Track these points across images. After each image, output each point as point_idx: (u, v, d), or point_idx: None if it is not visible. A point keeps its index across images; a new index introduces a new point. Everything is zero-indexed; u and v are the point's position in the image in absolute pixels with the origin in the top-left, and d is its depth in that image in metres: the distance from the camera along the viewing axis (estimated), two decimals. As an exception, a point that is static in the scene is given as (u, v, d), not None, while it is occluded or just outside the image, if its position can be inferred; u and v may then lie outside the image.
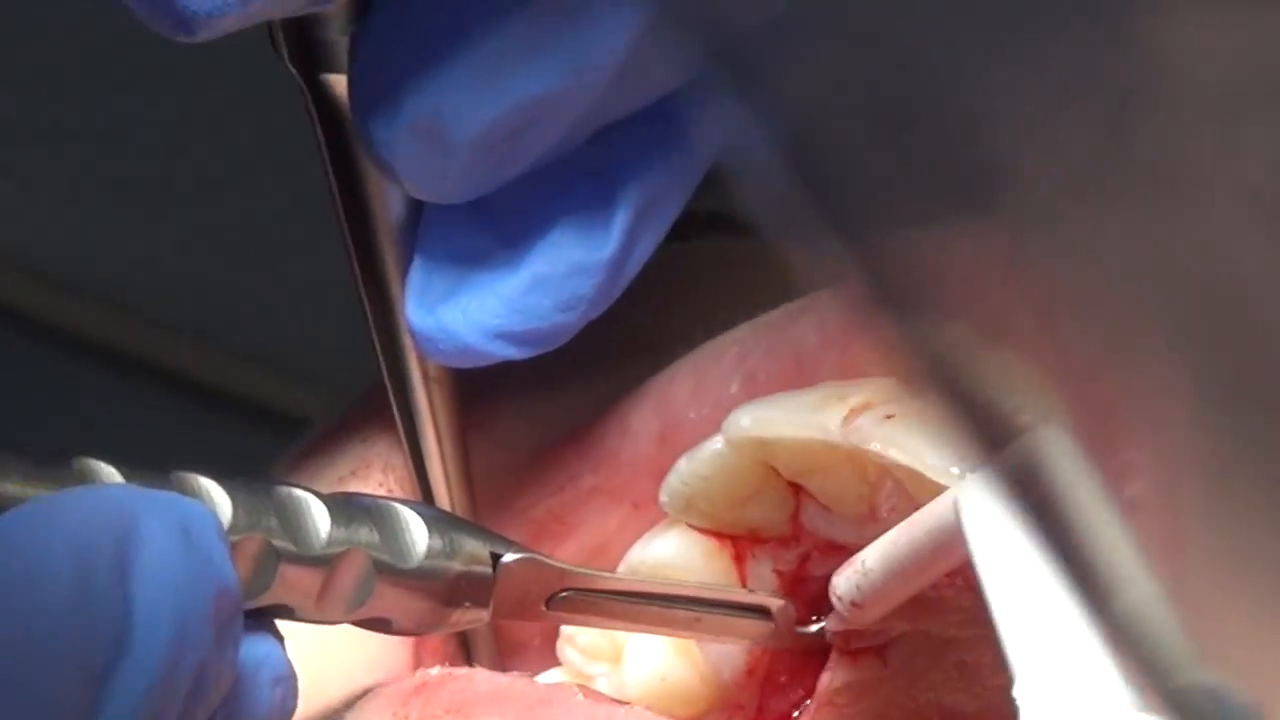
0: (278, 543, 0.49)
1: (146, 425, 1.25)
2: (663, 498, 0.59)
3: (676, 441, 0.60)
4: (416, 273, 0.57)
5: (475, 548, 0.53)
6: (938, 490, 0.53)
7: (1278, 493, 0.51)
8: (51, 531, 0.41)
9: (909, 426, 0.55)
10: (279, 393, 1.27)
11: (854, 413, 0.56)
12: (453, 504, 0.60)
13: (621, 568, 0.60)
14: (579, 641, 0.60)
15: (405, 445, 0.61)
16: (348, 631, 0.59)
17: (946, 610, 0.59)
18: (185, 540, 0.43)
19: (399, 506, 0.52)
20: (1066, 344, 0.54)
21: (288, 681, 0.49)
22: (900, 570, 0.53)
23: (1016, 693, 0.42)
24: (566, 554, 0.62)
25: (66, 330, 1.28)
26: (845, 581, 0.55)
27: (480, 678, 0.53)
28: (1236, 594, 0.50)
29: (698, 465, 0.59)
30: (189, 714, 0.43)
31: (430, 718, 0.51)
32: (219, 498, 0.49)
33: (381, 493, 0.61)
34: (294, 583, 0.50)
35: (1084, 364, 0.53)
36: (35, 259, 1.26)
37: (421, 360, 0.60)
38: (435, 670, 0.54)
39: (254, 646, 0.48)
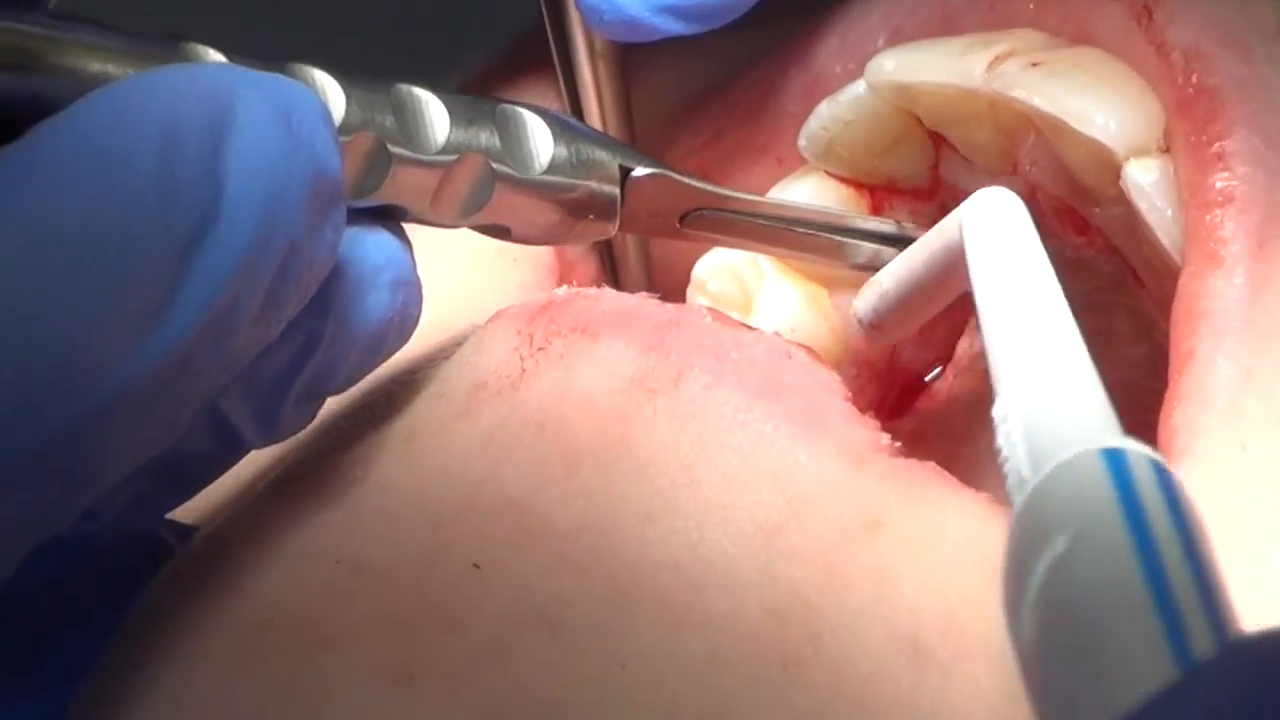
0: (392, 143, 0.48)
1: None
2: (801, 142, 0.58)
3: (821, 97, 0.58)
4: None
5: (603, 159, 0.52)
6: (1081, 143, 0.51)
7: None
8: (144, 108, 0.40)
9: (1054, 75, 0.52)
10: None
11: (998, 60, 0.53)
12: None
13: (759, 214, 0.59)
14: (710, 289, 0.59)
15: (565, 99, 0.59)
16: (489, 257, 0.58)
17: (1089, 273, 0.56)
18: (285, 123, 0.42)
19: (526, 113, 0.51)
20: (1166, 30, 0.51)
21: (410, 288, 0.48)
22: (914, 291, 0.51)
23: (996, 412, 0.40)
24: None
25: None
26: (864, 303, 0.53)
27: (608, 297, 0.51)
28: None
29: (839, 109, 0.57)
30: (278, 295, 0.42)
31: (554, 336, 0.50)
32: (332, 91, 0.47)
33: None
34: (407, 183, 0.48)
35: (1186, 49, 0.50)
36: None
37: (587, 33, 0.58)
38: (563, 290, 0.53)
39: (375, 249, 0.47)
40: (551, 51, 0.59)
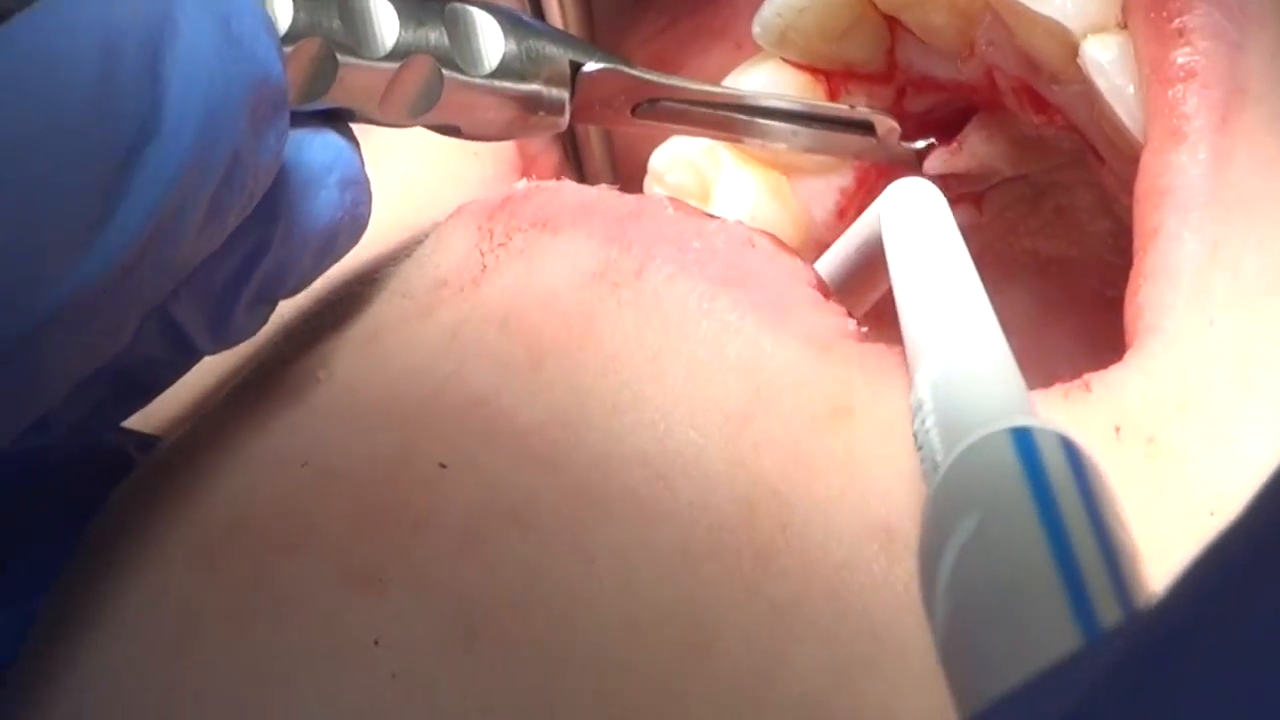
0: (340, 46, 0.47)
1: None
2: (755, 29, 0.57)
3: (779, -21, 0.57)
4: None
5: (554, 54, 0.51)
6: (1037, 22, 0.50)
7: None
8: (82, 19, 0.39)
9: (1008, -47, 0.51)
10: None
11: (952, -60, 0.52)
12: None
13: (714, 99, 0.58)
14: (667, 180, 0.58)
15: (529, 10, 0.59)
16: (449, 153, 0.58)
17: (1048, 151, 0.56)
18: (225, 29, 0.41)
19: (475, 11, 0.50)
20: None
21: (359, 187, 0.48)
22: (847, 285, 0.51)
23: (911, 399, 0.40)
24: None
25: None
26: None
27: (568, 190, 0.51)
28: None
29: (793, -5, 0.56)
30: (222, 203, 0.42)
31: (514, 231, 0.49)
32: None
33: None
34: (355, 86, 0.48)
35: None
36: None
37: None
38: (523, 184, 0.52)
39: (320, 149, 0.47)
40: None
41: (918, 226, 0.45)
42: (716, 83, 0.57)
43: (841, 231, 0.57)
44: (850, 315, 0.48)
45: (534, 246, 0.49)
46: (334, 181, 0.47)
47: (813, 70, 0.57)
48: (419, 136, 0.52)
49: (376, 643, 0.42)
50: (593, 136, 0.61)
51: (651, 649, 0.42)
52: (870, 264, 0.48)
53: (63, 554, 0.48)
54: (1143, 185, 0.48)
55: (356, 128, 0.49)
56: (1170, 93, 0.48)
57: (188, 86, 0.40)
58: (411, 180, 0.58)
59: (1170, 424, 0.45)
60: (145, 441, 0.53)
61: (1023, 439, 0.36)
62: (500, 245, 0.50)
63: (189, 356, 0.47)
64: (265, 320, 0.48)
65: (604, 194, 0.51)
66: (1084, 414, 0.45)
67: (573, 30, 0.58)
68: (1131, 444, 0.44)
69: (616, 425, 0.45)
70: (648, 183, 0.58)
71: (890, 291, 0.46)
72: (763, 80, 0.57)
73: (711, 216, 0.50)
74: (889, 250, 0.45)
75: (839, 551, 0.43)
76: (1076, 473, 0.35)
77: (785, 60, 0.57)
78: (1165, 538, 0.42)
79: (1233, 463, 0.44)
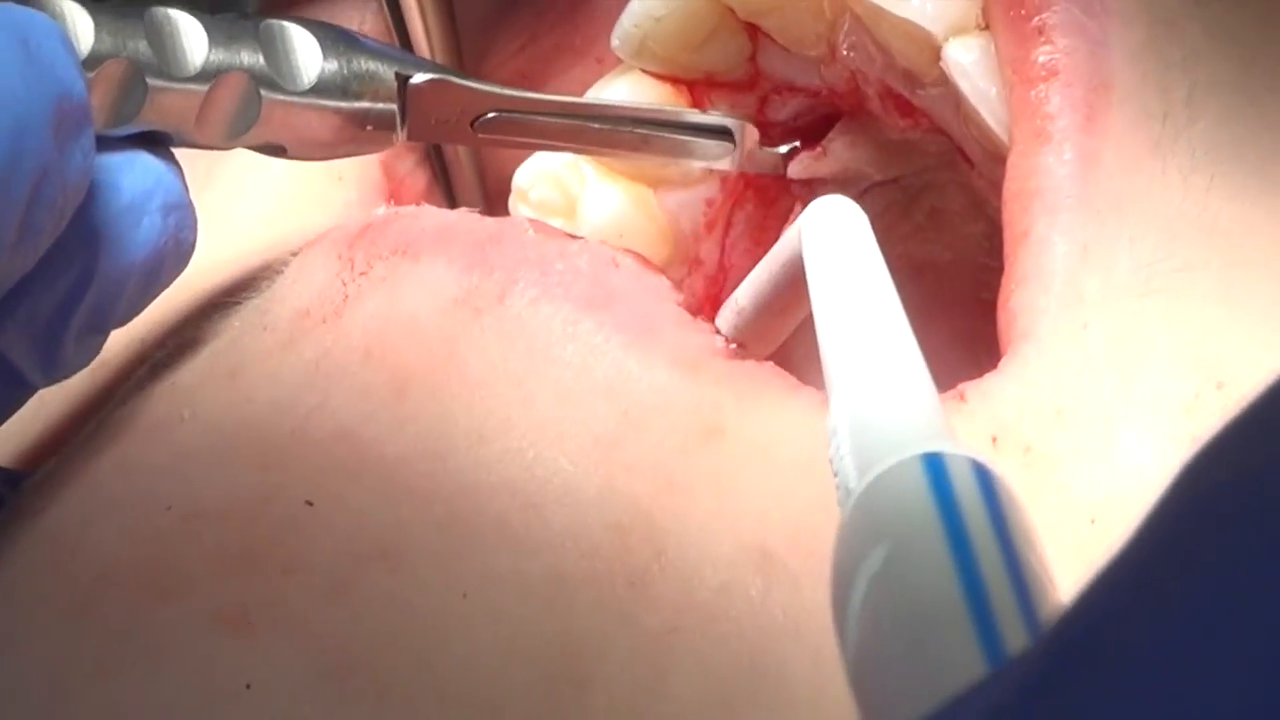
0: (148, 68, 0.46)
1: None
2: (614, 41, 0.56)
3: (636, -4, 0.56)
4: None
5: (377, 69, 0.50)
6: (897, 26, 0.50)
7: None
8: None
9: (865, -46, 0.50)
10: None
11: (808, -57, 0.52)
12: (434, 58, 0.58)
13: (575, 115, 0.57)
14: (531, 197, 0.57)
15: (394, 37, 0.58)
16: (314, 177, 0.57)
17: (916, 154, 0.56)
18: (24, 49, 0.41)
19: (291, 27, 0.49)
20: None
21: (183, 211, 0.47)
22: (769, 306, 0.49)
23: (827, 424, 0.39)
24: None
25: None
26: (725, 322, 0.51)
27: (428, 214, 0.50)
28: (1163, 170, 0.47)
29: (650, 5, 0.55)
30: (32, 222, 0.41)
31: (375, 259, 0.49)
32: (79, 19, 0.46)
33: None
34: (167, 106, 0.47)
35: None
36: None
37: None
38: (383, 210, 0.51)
39: (142, 175, 0.46)
40: None
41: (838, 245, 0.44)
42: (560, 92, 0.56)
43: (710, 243, 0.56)
44: (762, 349, 0.47)
45: (395, 274, 0.48)
46: (155, 207, 0.46)
47: (674, 80, 0.56)
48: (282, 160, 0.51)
49: (249, 687, 0.41)
50: (461, 156, 0.60)
51: (527, 683, 0.41)
52: (792, 284, 0.47)
53: None
54: (1011, 188, 0.47)
55: (216, 154, 0.48)
56: (1033, 93, 0.47)
57: None
58: (275, 203, 0.58)
59: (1047, 432, 0.44)
60: (7, 476, 0.52)
61: (934, 465, 0.35)
62: (362, 274, 0.49)
63: (21, 390, 0.46)
64: (98, 350, 0.47)
65: (465, 218, 0.50)
66: (961, 424, 0.45)
67: (437, 49, 0.58)
68: (1009, 453, 0.44)
69: (485, 454, 0.45)
70: (512, 201, 0.57)
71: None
72: (623, 92, 0.56)
73: (574, 237, 0.50)
74: (809, 270, 0.44)
75: (715, 576, 0.43)
76: (988, 498, 0.34)
77: (646, 71, 0.56)
78: (1047, 548, 0.42)
79: (1112, 469, 0.44)
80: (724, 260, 0.58)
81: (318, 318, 0.48)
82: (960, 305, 0.57)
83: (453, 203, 0.59)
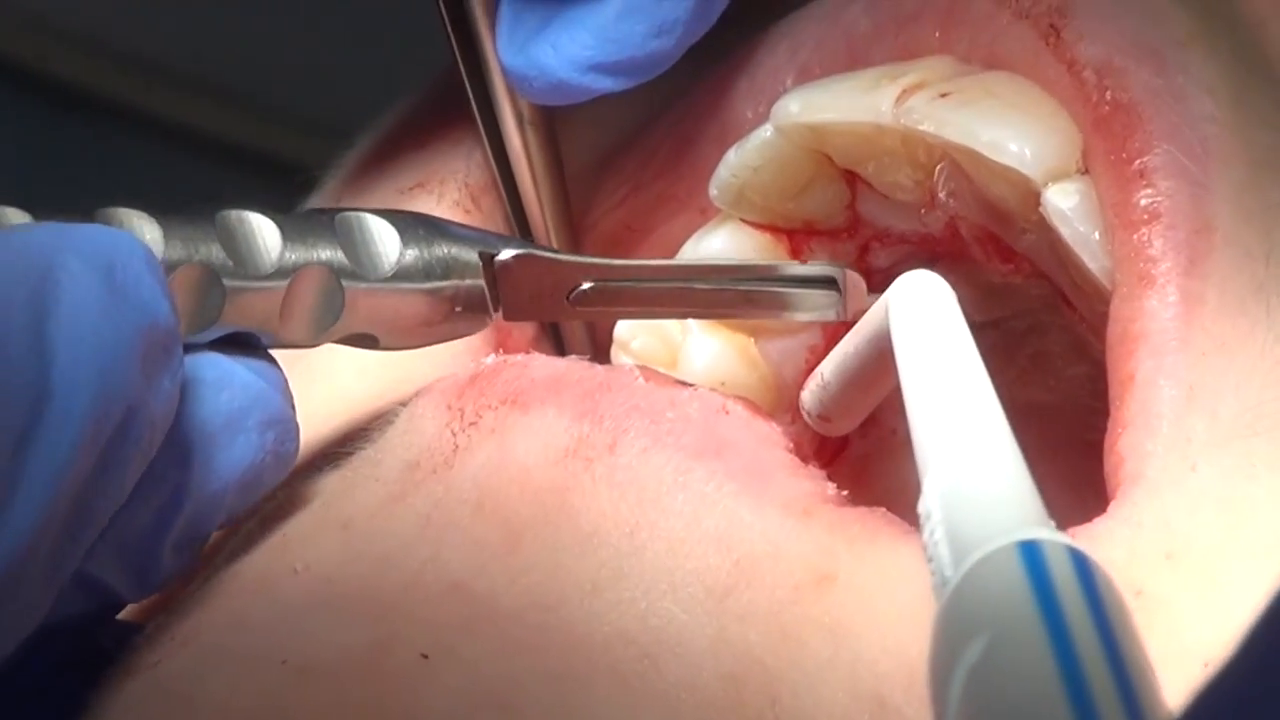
0: (223, 271, 0.47)
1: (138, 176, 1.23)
2: (712, 191, 0.56)
3: (734, 142, 0.57)
4: (505, 11, 0.54)
5: (458, 252, 0.50)
6: (997, 171, 0.50)
7: None
8: None
9: (964, 104, 0.51)
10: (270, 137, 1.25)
11: (906, 93, 0.52)
12: (551, 243, 0.57)
13: (674, 266, 0.58)
14: (633, 347, 0.58)
15: (502, 189, 0.58)
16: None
17: (1017, 297, 0.56)
18: (108, 280, 0.41)
19: (368, 217, 0.49)
20: (1075, 47, 0.50)
21: (283, 425, 0.47)
22: (854, 381, 0.49)
23: (920, 507, 0.39)
24: (639, 262, 0.60)
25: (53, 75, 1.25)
26: (810, 396, 0.51)
27: (537, 363, 0.50)
28: (1267, 310, 0.47)
29: (747, 156, 0.56)
30: (119, 458, 0.41)
31: (485, 409, 0.49)
32: (148, 229, 0.46)
33: (451, 208, 0.58)
34: (247, 307, 0.47)
35: (1098, 65, 0.50)
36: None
37: (514, 100, 0.56)
38: (490, 359, 0.52)
39: (240, 391, 0.47)
40: (475, 118, 0.57)
41: (926, 322, 0.44)
42: (657, 256, 0.56)
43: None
44: (846, 424, 0.47)
45: (505, 424, 0.49)
46: (253, 424, 0.47)
47: (773, 229, 0.57)
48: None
49: None
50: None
51: None
52: (879, 360, 0.47)
53: None
54: (1114, 331, 0.47)
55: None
56: (1135, 236, 0.47)
57: (76, 350, 0.40)
58: (383, 353, 0.58)
59: (1158, 575, 0.44)
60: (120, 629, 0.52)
61: (1031, 553, 0.35)
62: (471, 424, 0.49)
63: (118, 607, 0.47)
64: (196, 558, 0.48)
65: (574, 366, 0.50)
66: None
67: (545, 198, 0.58)
68: None
69: (598, 604, 0.45)
70: (615, 352, 0.58)
71: (865, 453, 0.46)
72: (722, 242, 0.57)
73: (683, 384, 0.50)
74: (897, 347, 0.44)
75: None
76: (1086, 586, 0.34)
77: (744, 221, 0.57)
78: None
79: (1224, 612, 0.43)
80: (828, 407, 0.59)
81: (428, 469, 0.49)
82: (1066, 447, 0.57)
83: (561, 350, 0.59)
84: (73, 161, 1.24)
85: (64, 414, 0.39)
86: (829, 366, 0.50)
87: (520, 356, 0.52)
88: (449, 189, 0.59)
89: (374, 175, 0.61)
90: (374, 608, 0.46)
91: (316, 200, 0.63)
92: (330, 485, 0.50)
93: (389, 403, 0.52)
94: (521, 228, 0.58)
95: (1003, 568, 0.35)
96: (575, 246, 0.59)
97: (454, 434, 0.49)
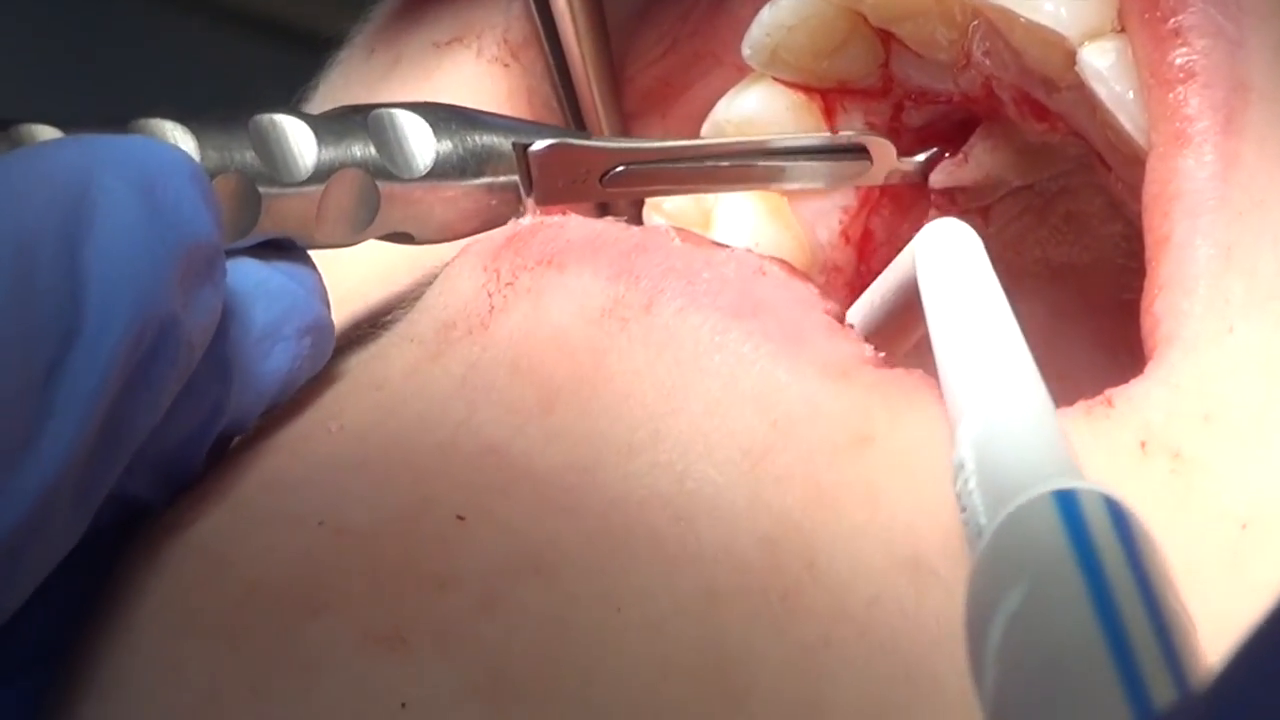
0: (258, 177, 0.46)
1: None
2: (745, 50, 0.56)
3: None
4: None
5: (493, 142, 0.50)
6: (1032, 30, 0.50)
7: None
8: None
9: (1000, -39, 0.50)
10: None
11: (942, -49, 0.52)
12: (595, 101, 0.57)
13: (706, 127, 0.57)
14: (665, 208, 0.57)
15: (544, 41, 0.57)
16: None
17: (1054, 158, 0.56)
18: (148, 199, 0.41)
19: (399, 113, 0.49)
20: None
21: (319, 330, 0.47)
22: (882, 329, 0.49)
23: (953, 459, 0.39)
24: (675, 119, 0.60)
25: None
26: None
27: (573, 224, 0.50)
28: None
29: (781, 14, 0.55)
30: (158, 376, 0.41)
31: (521, 269, 0.49)
32: (182, 138, 0.46)
33: (490, 63, 0.58)
34: (284, 213, 0.47)
35: None
36: None
37: None
38: (527, 219, 0.51)
39: (278, 299, 0.46)
40: None
41: (953, 271, 0.44)
42: (685, 136, 0.56)
43: (847, 253, 0.56)
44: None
45: (541, 285, 0.48)
46: (290, 332, 0.47)
47: (806, 89, 0.56)
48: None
49: (404, 706, 0.42)
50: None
51: (685, 696, 0.42)
52: (906, 308, 0.47)
53: (65, 622, 0.47)
54: (1150, 191, 0.47)
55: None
56: (1171, 95, 0.47)
57: (112, 276, 0.39)
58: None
59: (1196, 437, 0.44)
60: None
61: (1067, 502, 0.35)
62: (507, 285, 0.49)
63: (150, 516, 0.47)
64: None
65: (610, 227, 0.50)
66: (1108, 431, 0.44)
67: (587, 51, 0.57)
68: (1157, 460, 0.44)
69: (634, 466, 0.45)
70: (647, 212, 0.58)
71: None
72: (755, 102, 0.56)
73: (720, 245, 0.50)
74: (925, 298, 0.44)
75: (867, 587, 0.43)
76: (1122, 535, 0.34)
77: (777, 80, 0.56)
78: (1196, 555, 0.42)
79: (1263, 474, 0.43)
80: (860, 265, 0.59)
81: (464, 330, 0.48)
82: (1102, 307, 0.57)
83: (599, 211, 0.59)
84: (86, 34, 1.23)
85: (96, 343, 0.39)
86: (855, 314, 0.50)
87: (557, 218, 0.51)
88: (487, 43, 0.59)
89: (408, 29, 0.61)
90: (410, 469, 0.46)
91: (345, 54, 0.63)
92: (368, 350, 0.50)
93: (428, 271, 0.52)
94: (564, 81, 0.58)
95: (1039, 517, 0.35)
96: (618, 101, 0.58)
97: (490, 295, 0.49)
